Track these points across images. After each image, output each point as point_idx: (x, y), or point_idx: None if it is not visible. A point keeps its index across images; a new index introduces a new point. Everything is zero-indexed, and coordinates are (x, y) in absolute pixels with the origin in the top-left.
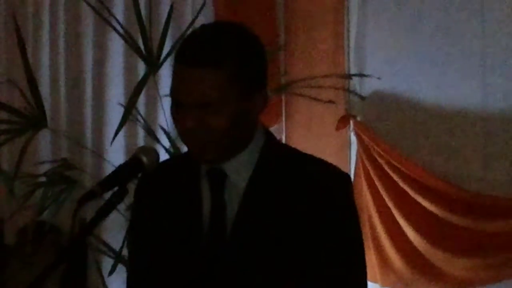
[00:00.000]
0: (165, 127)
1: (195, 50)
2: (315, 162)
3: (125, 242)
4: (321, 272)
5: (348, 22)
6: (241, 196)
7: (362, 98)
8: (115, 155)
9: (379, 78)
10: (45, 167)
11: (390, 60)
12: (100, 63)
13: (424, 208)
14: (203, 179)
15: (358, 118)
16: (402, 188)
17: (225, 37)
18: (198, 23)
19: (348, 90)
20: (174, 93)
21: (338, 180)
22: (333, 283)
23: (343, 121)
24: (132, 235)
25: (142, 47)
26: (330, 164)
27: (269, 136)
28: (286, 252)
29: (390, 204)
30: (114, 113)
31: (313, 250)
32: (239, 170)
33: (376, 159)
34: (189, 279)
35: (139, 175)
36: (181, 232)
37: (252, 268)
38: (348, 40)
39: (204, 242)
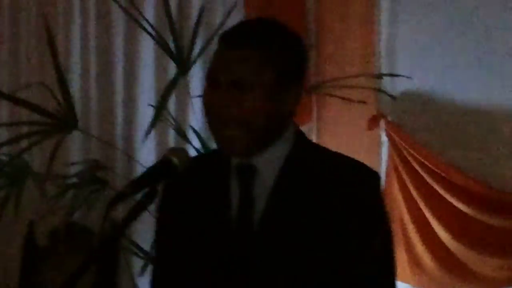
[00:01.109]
0: (196, 128)
1: (236, 34)
2: (345, 160)
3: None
4: (350, 271)
5: (379, 21)
6: (269, 191)
7: (393, 97)
8: (146, 156)
9: (410, 78)
10: (76, 168)
11: (421, 60)
12: (130, 64)
13: (456, 207)
14: (232, 174)
15: (389, 118)
16: (433, 188)
17: (267, 25)
18: (229, 24)
19: (379, 90)
20: (210, 72)
21: (368, 178)
22: (362, 284)
23: (374, 121)
24: (159, 231)
25: (172, 47)
26: (360, 162)
27: (300, 134)
28: (313, 249)
29: (421, 204)
30: (145, 114)
31: (342, 248)
32: (269, 165)
33: (407, 159)
34: (217, 275)
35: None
36: (209, 228)
37: (279, 264)
38: (379, 39)
39: (232, 237)
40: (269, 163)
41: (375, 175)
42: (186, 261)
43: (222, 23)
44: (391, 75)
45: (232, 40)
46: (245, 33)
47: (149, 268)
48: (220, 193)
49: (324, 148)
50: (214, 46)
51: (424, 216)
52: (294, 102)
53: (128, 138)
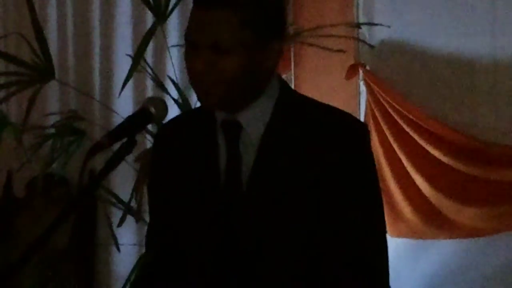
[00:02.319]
0: (173, 77)
1: None
2: (332, 111)
3: (134, 193)
4: (339, 222)
5: None
6: (256, 147)
7: (371, 46)
8: (124, 106)
9: (388, 27)
10: (54, 119)
11: (399, 9)
12: (107, 14)
13: (434, 157)
14: (218, 131)
15: (368, 67)
16: (412, 137)
17: None
18: None
19: (357, 39)
20: (188, 34)
21: (356, 129)
22: (352, 233)
23: (352, 70)
24: (151, 189)
25: None
26: (347, 114)
27: (285, 86)
28: (302, 202)
29: (399, 153)
30: (122, 64)
31: (331, 200)
32: (254, 120)
33: (385, 107)
34: (206, 231)
35: (148, 125)
36: (198, 185)
37: (268, 219)
38: None
39: (221, 194)
40: (254, 118)
41: (364, 126)
42: (177, 217)
43: None
44: (370, 24)
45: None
46: None
47: (128, 219)
48: (208, 149)
49: (310, 99)
50: None
51: (403, 165)
52: (276, 57)
53: (106, 88)
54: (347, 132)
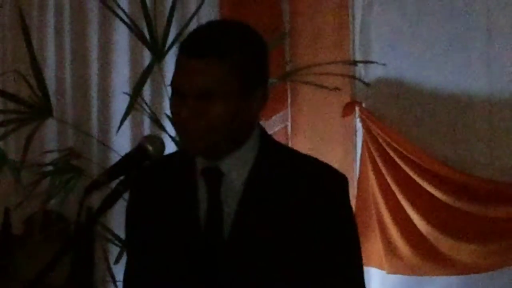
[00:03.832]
0: (171, 115)
1: (198, 42)
2: (312, 162)
3: None
4: (319, 270)
5: (353, 9)
6: (238, 195)
7: (367, 84)
8: (121, 144)
9: (384, 65)
10: (52, 157)
11: (395, 46)
12: (105, 52)
13: (430, 194)
14: (199, 177)
15: (364, 105)
16: (408, 174)
17: (228, 31)
18: (202, 12)
19: (353, 77)
20: (174, 82)
21: (335, 180)
22: (332, 282)
23: (348, 108)
24: (128, 233)
25: (147, 35)
26: (327, 165)
27: (265, 135)
28: (284, 251)
29: (396, 190)
30: (120, 102)
31: (311, 249)
32: (236, 168)
33: (381, 145)
34: (187, 279)
35: (145, 163)
36: (178, 231)
37: (250, 267)
38: (353, 26)
39: (201, 241)
40: (235, 166)
41: (343, 178)
42: (157, 264)
43: (196, 11)
44: (365, 62)
45: (193, 48)
46: (206, 40)
47: (125, 256)
48: (188, 195)
49: (291, 149)
50: (188, 32)
51: (399, 202)
52: (260, 104)
53: (103, 126)
54: (328, 183)
